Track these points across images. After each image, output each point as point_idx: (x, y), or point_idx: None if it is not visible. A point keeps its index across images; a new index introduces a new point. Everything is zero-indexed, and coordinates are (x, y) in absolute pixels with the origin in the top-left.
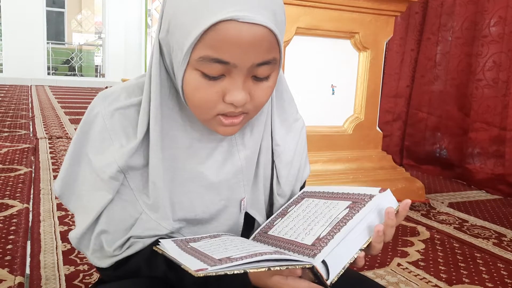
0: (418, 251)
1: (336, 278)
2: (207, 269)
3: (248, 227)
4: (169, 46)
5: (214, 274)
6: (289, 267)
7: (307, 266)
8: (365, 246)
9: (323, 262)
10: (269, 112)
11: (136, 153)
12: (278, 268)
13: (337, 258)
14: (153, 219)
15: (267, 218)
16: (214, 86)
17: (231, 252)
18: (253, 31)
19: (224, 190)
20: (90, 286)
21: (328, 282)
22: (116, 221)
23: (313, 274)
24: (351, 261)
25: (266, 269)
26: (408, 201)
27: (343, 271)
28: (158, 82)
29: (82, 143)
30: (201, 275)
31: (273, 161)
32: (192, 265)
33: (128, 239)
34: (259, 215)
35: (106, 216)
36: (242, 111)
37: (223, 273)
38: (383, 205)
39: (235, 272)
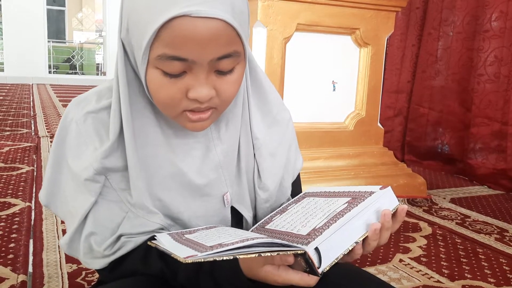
0: (420, 247)
1: (328, 267)
2: (196, 255)
3: (238, 223)
4: (131, 45)
5: (202, 260)
6: (281, 253)
7: (299, 252)
8: (361, 239)
9: (316, 249)
10: (246, 104)
11: (113, 154)
12: (269, 254)
13: (331, 248)
14: (140, 216)
15: (254, 212)
16: (176, 84)
17: (223, 239)
18: (208, 26)
19: (205, 186)
20: (92, 284)
21: (320, 270)
22: (102, 222)
23: (305, 262)
24: (345, 253)
25: (257, 255)
26: (404, 207)
27: (336, 261)
28: (125, 82)
29: (61, 150)
30: (189, 261)
31: (254, 155)
32: (182, 253)
33: (119, 238)
34: (245, 210)
35: (92, 218)
36: (209, 106)
37: (212, 259)
38: (382, 202)
39: (224, 258)
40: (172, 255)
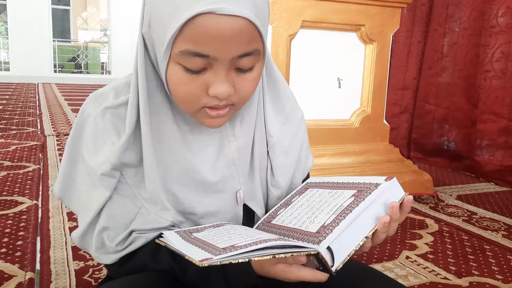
0: (426, 243)
1: (341, 265)
2: (212, 258)
3: (249, 220)
4: (152, 40)
5: (218, 263)
6: (294, 254)
7: (312, 252)
8: (370, 234)
9: (328, 248)
10: (261, 102)
11: (129, 149)
12: (283, 255)
13: (342, 245)
14: (152, 212)
15: (266, 209)
16: (196, 80)
17: (235, 240)
18: (232, 23)
19: (218, 183)
20: (100, 281)
21: (333, 269)
22: (116, 217)
23: (318, 261)
24: (357, 248)
25: (271, 257)
26: (410, 197)
27: (348, 258)
28: (144, 76)
29: (77, 145)
30: (205, 265)
31: (268, 152)
32: (196, 255)
33: (130, 233)
34: (258, 207)
35: (106, 213)
36: (227, 104)
37: (227, 262)
38: (389, 193)
39: (240, 260)
40: (186, 257)
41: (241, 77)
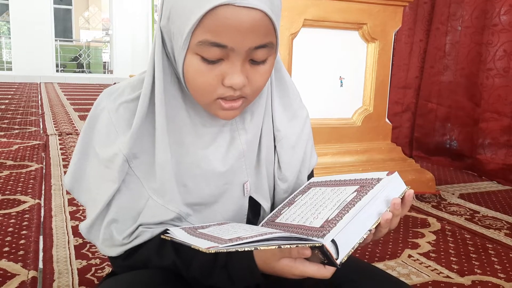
0: (429, 242)
1: (346, 257)
2: (218, 246)
3: (254, 215)
4: (170, 32)
5: (225, 250)
6: (299, 245)
7: (317, 245)
8: (373, 227)
9: (333, 241)
10: (269, 96)
11: (139, 139)
12: (288, 246)
13: (346, 238)
14: (160, 204)
15: (272, 203)
16: (213, 70)
17: (240, 234)
18: (251, 15)
19: (227, 174)
20: (102, 278)
21: (338, 262)
22: (125, 210)
23: (322, 254)
24: (361, 241)
25: (276, 247)
26: (411, 192)
27: (352, 250)
28: (161, 68)
29: (89, 137)
30: (212, 251)
31: (275, 146)
32: (203, 244)
33: (137, 227)
34: (263, 200)
35: (115, 206)
36: (241, 95)
37: (234, 249)
38: (391, 187)
39: (246, 249)
40: (192, 246)
41: (255, 69)
